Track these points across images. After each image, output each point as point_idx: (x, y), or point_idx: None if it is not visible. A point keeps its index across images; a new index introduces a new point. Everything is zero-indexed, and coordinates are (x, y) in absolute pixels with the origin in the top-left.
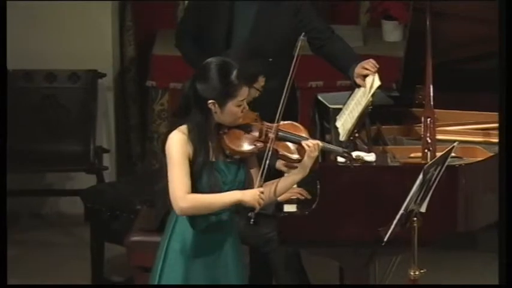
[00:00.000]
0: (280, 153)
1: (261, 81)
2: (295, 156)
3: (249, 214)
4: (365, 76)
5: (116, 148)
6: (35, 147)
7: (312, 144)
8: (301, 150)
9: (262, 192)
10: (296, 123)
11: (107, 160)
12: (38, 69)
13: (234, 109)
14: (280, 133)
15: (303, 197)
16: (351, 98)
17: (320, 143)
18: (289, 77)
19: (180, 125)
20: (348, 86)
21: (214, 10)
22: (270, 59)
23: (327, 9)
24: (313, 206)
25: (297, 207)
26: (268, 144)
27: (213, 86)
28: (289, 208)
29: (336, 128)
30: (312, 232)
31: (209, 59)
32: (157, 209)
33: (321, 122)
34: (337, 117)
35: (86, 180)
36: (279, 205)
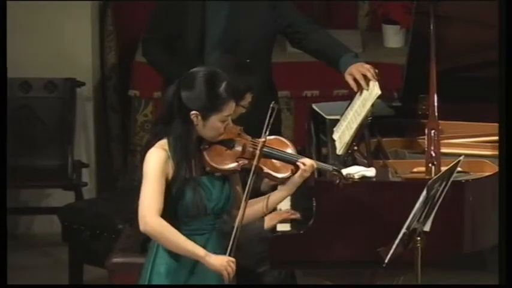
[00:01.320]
0: (265, 171)
1: (247, 98)
2: (281, 175)
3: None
4: (355, 79)
5: (95, 162)
6: (8, 161)
7: (308, 164)
8: (288, 168)
9: (233, 262)
10: (282, 138)
11: (86, 175)
12: (11, 77)
13: (217, 124)
14: (265, 149)
15: (293, 218)
16: (349, 108)
17: (315, 164)
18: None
19: (160, 138)
20: (346, 95)
21: (184, 11)
22: (248, 60)
23: (323, 13)
24: (309, 224)
25: (291, 226)
26: (254, 162)
27: (198, 97)
28: (283, 227)
29: (333, 140)
30: (307, 252)
31: (196, 68)
32: (136, 229)
33: (317, 134)
34: (334, 129)
35: (63, 197)
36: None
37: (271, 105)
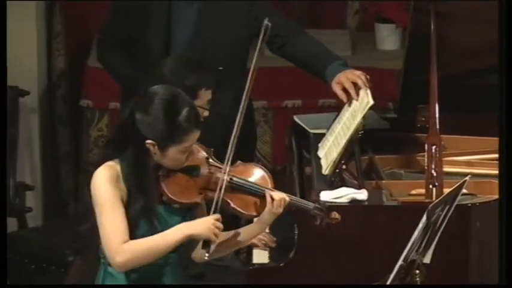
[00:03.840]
0: (232, 206)
1: (204, 96)
2: (251, 212)
3: (205, 251)
4: (344, 88)
5: (41, 184)
6: None
7: (277, 198)
8: (260, 203)
9: (217, 220)
10: (257, 168)
11: (31, 200)
12: None
13: (177, 156)
14: (234, 180)
15: (266, 245)
16: (336, 121)
17: (287, 198)
18: (244, 96)
19: (111, 159)
20: (333, 106)
21: (147, 10)
22: (220, 68)
23: (307, 10)
24: (290, 256)
25: (270, 258)
26: (216, 195)
27: (155, 125)
28: (260, 258)
29: (318, 158)
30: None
31: (156, 88)
32: (89, 261)
33: (299, 151)
34: (320, 144)
35: None
36: (248, 254)
37: (265, 22)
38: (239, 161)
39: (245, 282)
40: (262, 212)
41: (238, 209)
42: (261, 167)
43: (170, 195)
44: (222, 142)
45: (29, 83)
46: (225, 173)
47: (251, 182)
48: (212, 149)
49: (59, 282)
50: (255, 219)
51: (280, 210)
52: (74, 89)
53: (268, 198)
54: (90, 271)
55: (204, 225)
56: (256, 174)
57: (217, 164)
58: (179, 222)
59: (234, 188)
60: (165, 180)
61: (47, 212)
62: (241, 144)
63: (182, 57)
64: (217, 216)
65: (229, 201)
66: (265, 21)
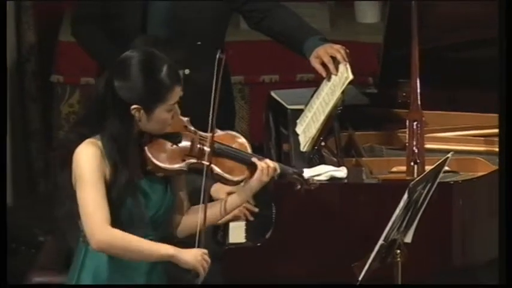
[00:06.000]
0: (215, 172)
1: None
2: (235, 178)
3: (194, 281)
4: (323, 62)
5: (11, 162)
6: None
7: (265, 166)
8: (242, 169)
9: (206, 254)
10: (235, 134)
11: None
12: None
13: (164, 115)
14: (218, 146)
15: (248, 213)
16: (315, 96)
17: (278, 168)
18: (214, 84)
19: (89, 137)
20: (312, 81)
21: None
22: (199, 43)
23: None
24: (267, 235)
25: (246, 237)
26: (205, 161)
27: (137, 87)
28: (237, 237)
29: (297, 135)
30: (265, 268)
31: (130, 52)
32: (60, 242)
33: (277, 128)
34: (298, 121)
35: None
36: (225, 233)
37: (218, 55)
38: (217, 129)
39: (220, 264)
40: (244, 178)
41: (223, 174)
42: (240, 135)
43: (156, 162)
44: (202, 115)
45: None
46: (211, 137)
47: (235, 148)
48: (188, 118)
49: (30, 264)
50: (239, 188)
51: (268, 179)
52: (44, 64)
53: (259, 166)
54: (61, 251)
55: (193, 255)
56: (237, 141)
57: (198, 131)
58: (162, 194)
59: (217, 154)
60: (148, 148)
61: (16, 191)
62: (219, 120)
63: (150, 37)
64: (206, 251)
65: (213, 167)
66: (218, 54)
